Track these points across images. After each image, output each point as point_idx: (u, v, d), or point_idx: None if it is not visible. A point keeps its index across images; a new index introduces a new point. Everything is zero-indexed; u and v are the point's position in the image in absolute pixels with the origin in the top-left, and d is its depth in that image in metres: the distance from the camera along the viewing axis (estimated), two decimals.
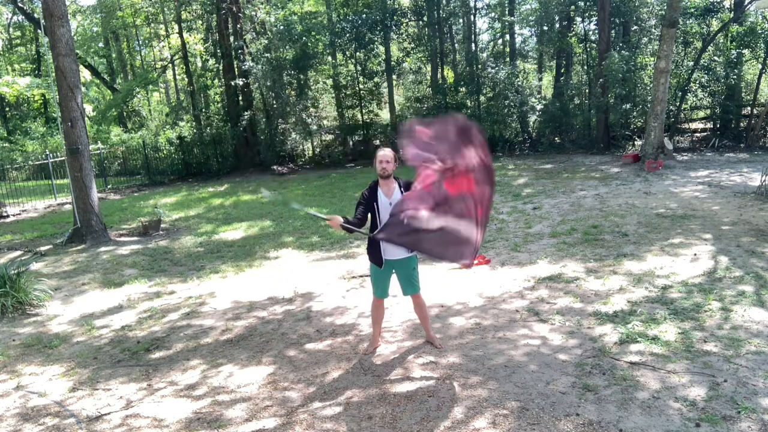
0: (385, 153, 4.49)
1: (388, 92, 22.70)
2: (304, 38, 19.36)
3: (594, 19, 20.43)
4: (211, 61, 22.85)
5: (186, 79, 25.59)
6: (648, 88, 17.63)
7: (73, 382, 4.63)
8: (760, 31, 18.12)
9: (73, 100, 9.72)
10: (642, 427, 3.43)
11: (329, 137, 23.45)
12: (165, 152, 21.29)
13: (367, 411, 3.84)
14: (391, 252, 4.53)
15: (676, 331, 4.72)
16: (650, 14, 19.52)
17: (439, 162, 4.01)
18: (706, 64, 18.54)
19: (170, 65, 30.20)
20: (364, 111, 21.97)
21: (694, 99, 19.51)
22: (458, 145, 4.11)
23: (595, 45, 20.29)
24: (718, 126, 19.59)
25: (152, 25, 29.82)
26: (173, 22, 26.05)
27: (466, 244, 4.09)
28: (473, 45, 22.91)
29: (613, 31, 19.55)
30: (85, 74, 28.98)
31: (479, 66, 21.30)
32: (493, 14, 24.30)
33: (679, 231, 7.97)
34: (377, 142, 22.05)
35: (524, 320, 5.22)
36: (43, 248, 9.79)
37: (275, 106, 20.43)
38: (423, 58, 23.16)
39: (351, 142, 22.77)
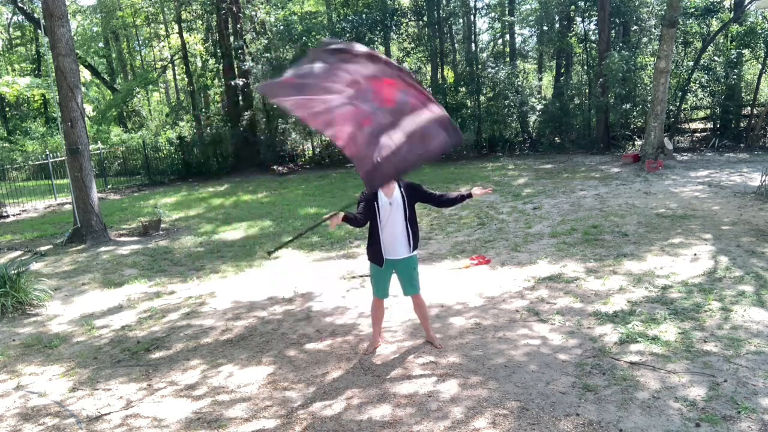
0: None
1: None
2: (304, 38, 19.36)
3: (594, 19, 20.43)
4: (211, 61, 22.86)
5: (186, 79, 25.60)
6: (648, 88, 17.64)
7: (73, 382, 4.63)
8: (760, 31, 18.13)
9: (73, 100, 9.72)
10: (642, 427, 3.43)
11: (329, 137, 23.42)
12: (165, 152, 21.29)
13: (367, 411, 3.84)
14: (392, 252, 4.53)
15: (676, 331, 4.72)
16: (650, 14, 19.52)
17: (336, 87, 3.62)
18: (706, 64, 18.54)
19: (170, 65, 30.20)
20: None
21: (694, 99, 19.52)
22: (339, 63, 3.72)
23: (595, 45, 20.29)
24: (718, 126, 19.59)
25: (152, 25, 29.82)
26: (173, 22, 26.05)
27: (438, 124, 3.87)
28: (473, 45, 22.91)
29: (613, 31, 19.56)
30: (85, 74, 28.99)
31: (479, 66, 21.30)
32: (493, 14, 24.30)
33: (679, 231, 7.97)
34: None
35: (524, 320, 5.22)
36: (43, 248, 9.79)
37: (275, 106, 20.41)
38: (423, 58, 23.16)
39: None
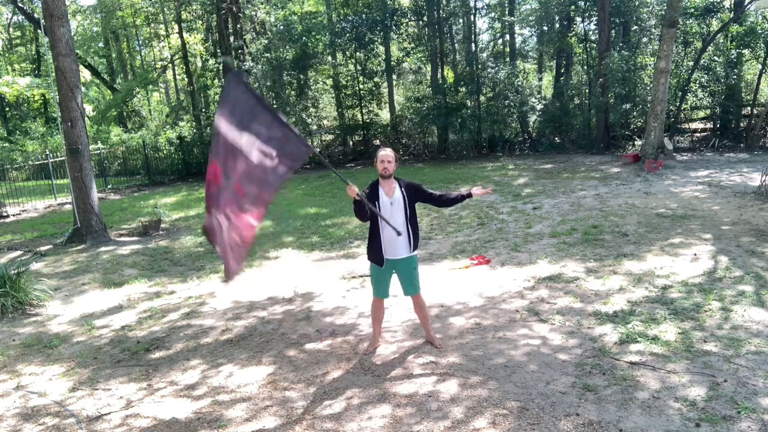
0: (386, 153, 4.50)
1: (388, 92, 22.72)
2: (304, 38, 19.36)
3: (594, 19, 20.44)
4: (211, 61, 22.85)
5: (186, 79, 25.60)
6: (648, 88, 17.64)
7: (73, 382, 4.63)
8: (760, 31, 18.13)
9: (73, 100, 9.71)
10: (642, 427, 3.43)
11: (329, 137, 23.46)
12: (165, 152, 21.29)
13: (367, 411, 3.84)
14: (392, 251, 4.53)
15: (676, 331, 4.72)
16: (650, 14, 19.52)
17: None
18: (706, 64, 18.54)
19: (170, 65, 30.20)
20: (364, 111, 21.98)
21: (694, 99, 19.52)
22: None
23: (595, 45, 20.30)
24: (718, 126, 19.60)
25: (152, 25, 29.81)
26: (173, 22, 26.05)
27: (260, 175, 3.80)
28: (473, 45, 22.91)
29: (613, 31, 19.56)
30: (85, 74, 28.97)
31: (479, 66, 21.30)
32: (493, 14, 24.31)
33: (679, 231, 7.97)
34: (377, 142, 22.07)
35: (524, 320, 5.22)
36: (43, 248, 9.79)
37: (275, 106, 20.43)
38: (423, 58, 23.17)
39: (351, 142, 22.78)
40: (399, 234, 4.35)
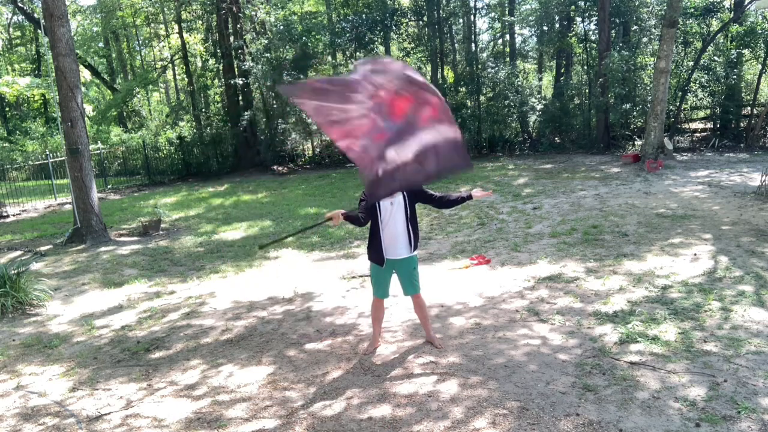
0: None
1: None
2: (304, 38, 19.36)
3: (594, 19, 20.44)
4: (211, 61, 22.85)
5: (186, 79, 25.59)
6: (648, 88, 17.64)
7: (73, 382, 4.63)
8: (760, 31, 18.13)
9: (73, 100, 9.72)
10: (642, 427, 3.43)
11: (329, 137, 23.44)
12: (165, 152, 21.29)
13: (367, 411, 3.84)
14: (393, 252, 4.53)
15: (676, 331, 4.72)
16: (650, 14, 19.52)
17: (358, 98, 3.57)
18: (706, 64, 18.55)
19: (170, 65, 30.19)
20: None
21: (694, 99, 19.52)
22: (369, 74, 3.67)
23: (595, 45, 20.29)
24: (718, 126, 19.60)
25: (152, 25, 29.81)
26: (173, 22, 26.05)
27: (450, 148, 3.76)
28: (473, 45, 22.91)
29: (613, 31, 19.56)
30: (85, 74, 28.98)
31: (479, 66, 21.30)
32: (493, 14, 24.32)
33: (679, 231, 7.97)
34: None
35: (524, 320, 5.22)
36: (43, 248, 9.79)
37: (275, 106, 20.44)
38: (423, 58, 23.16)
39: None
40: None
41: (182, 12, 22.76)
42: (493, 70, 20.63)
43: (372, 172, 3.62)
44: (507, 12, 23.11)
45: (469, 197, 4.59)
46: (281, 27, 19.81)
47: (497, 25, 25.58)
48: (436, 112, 3.75)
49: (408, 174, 3.66)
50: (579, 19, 21.69)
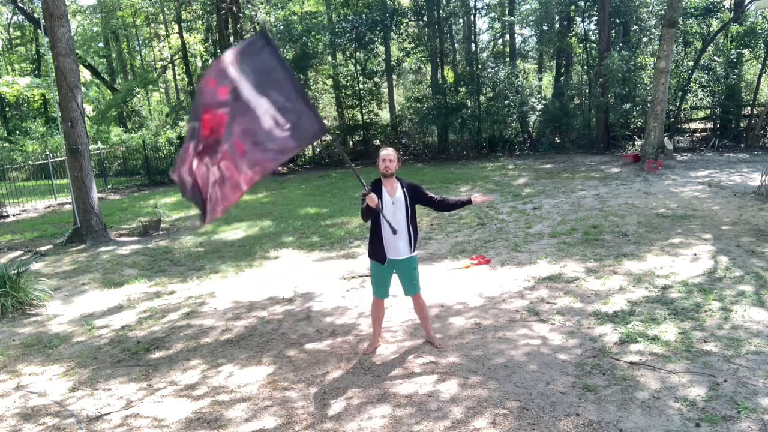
0: (388, 152, 4.51)
1: (388, 92, 22.72)
2: (304, 38, 19.36)
3: (594, 19, 20.45)
4: (211, 61, 22.82)
5: (186, 79, 25.60)
6: (648, 88, 17.64)
7: (73, 382, 4.63)
8: (760, 31, 18.14)
9: (73, 100, 9.71)
10: (642, 427, 3.43)
11: (329, 137, 23.43)
12: (165, 152, 21.29)
13: (367, 411, 3.84)
14: (394, 251, 4.53)
15: (676, 331, 4.72)
16: (650, 14, 19.53)
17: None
18: (706, 64, 18.55)
19: (170, 65, 30.20)
20: (364, 111, 21.98)
21: (694, 99, 19.53)
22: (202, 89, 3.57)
23: (595, 45, 20.30)
24: (718, 126, 19.61)
25: (152, 25, 29.83)
26: (173, 22, 26.07)
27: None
28: (473, 45, 22.92)
29: (613, 31, 19.57)
30: (85, 74, 28.97)
31: (479, 66, 21.31)
32: (493, 14, 24.32)
33: (679, 231, 7.97)
34: (377, 142, 22.06)
35: (524, 320, 5.22)
36: (43, 248, 9.79)
37: None
38: (423, 58, 23.17)
39: (351, 142, 22.77)
40: (395, 232, 4.35)
41: (182, 12, 22.79)
42: (493, 70, 20.64)
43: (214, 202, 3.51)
44: (507, 12, 23.12)
45: (469, 201, 4.59)
46: (281, 27, 19.82)
47: (497, 25, 25.60)
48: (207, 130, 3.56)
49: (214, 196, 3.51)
50: (579, 19, 21.70)
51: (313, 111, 3.84)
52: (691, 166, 14.23)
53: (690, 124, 20.87)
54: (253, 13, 20.11)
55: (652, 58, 18.20)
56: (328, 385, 4.27)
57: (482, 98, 20.95)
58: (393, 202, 4.46)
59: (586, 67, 21.49)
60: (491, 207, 10.67)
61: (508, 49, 25.14)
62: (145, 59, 34.12)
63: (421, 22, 22.35)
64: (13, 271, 6.70)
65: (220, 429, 3.76)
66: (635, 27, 19.79)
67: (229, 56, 3.66)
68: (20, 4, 24.22)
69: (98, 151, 19.34)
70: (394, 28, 21.34)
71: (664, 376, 4.01)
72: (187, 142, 3.50)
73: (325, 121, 3.80)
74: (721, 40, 18.99)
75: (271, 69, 3.71)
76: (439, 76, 22.27)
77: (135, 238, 10.32)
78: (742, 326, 4.73)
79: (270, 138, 3.65)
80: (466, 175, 15.41)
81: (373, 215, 4.45)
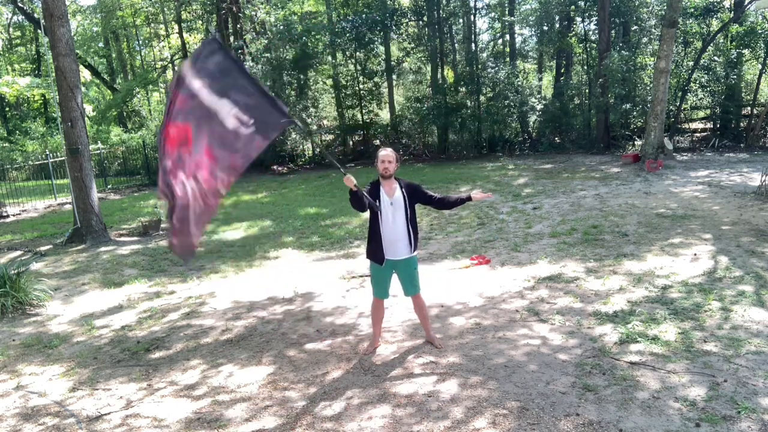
0: (387, 153, 4.50)
1: (388, 92, 22.70)
2: (304, 38, 19.35)
3: (594, 19, 20.45)
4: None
5: None
6: (648, 88, 17.64)
7: (73, 382, 4.63)
8: (760, 31, 18.14)
9: (73, 100, 9.71)
10: (642, 427, 3.43)
11: (329, 137, 23.46)
12: None
13: (367, 411, 3.85)
14: (393, 252, 4.53)
15: (676, 331, 4.72)
16: (650, 14, 19.53)
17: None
18: (706, 64, 18.55)
19: (170, 65, 30.19)
20: (364, 111, 21.97)
21: (694, 99, 19.53)
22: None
23: (595, 45, 20.30)
24: (718, 126, 19.61)
25: (152, 25, 29.83)
26: (173, 22, 26.07)
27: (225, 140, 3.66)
28: (473, 45, 22.91)
29: (613, 31, 19.57)
30: (85, 74, 28.99)
31: (479, 66, 21.30)
32: (493, 14, 24.32)
33: (679, 231, 7.97)
34: (377, 142, 22.07)
35: (524, 320, 5.22)
36: (43, 248, 9.79)
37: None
38: (423, 58, 23.16)
39: (351, 142, 22.78)
40: (377, 209, 4.36)
41: (182, 12, 22.78)
42: (493, 70, 20.63)
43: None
44: (507, 12, 23.11)
45: (469, 199, 4.59)
46: (281, 27, 19.81)
47: (497, 25, 25.59)
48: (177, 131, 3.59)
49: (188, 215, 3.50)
50: (579, 19, 21.69)
51: (273, 103, 3.89)
52: (691, 166, 14.23)
53: (690, 124, 20.87)
54: (253, 13, 20.11)
55: (652, 58, 18.20)
56: (328, 385, 4.27)
57: (482, 98, 20.95)
58: (392, 202, 4.46)
59: (586, 67, 21.49)
60: (491, 207, 10.67)
61: (508, 49, 25.13)
62: (145, 59, 34.11)
63: (421, 22, 22.34)
64: (13, 271, 6.70)
65: (220, 429, 3.76)
66: (635, 27, 19.79)
67: (185, 65, 3.75)
68: (20, 4, 24.22)
69: (98, 151, 19.33)
70: (394, 28, 21.34)
71: (664, 376, 4.01)
72: (161, 163, 3.52)
73: (285, 108, 3.84)
74: (721, 40, 18.98)
75: (226, 70, 3.77)
76: (439, 76, 22.26)
77: (135, 238, 10.31)
78: (742, 326, 4.73)
79: (237, 138, 3.69)
80: (466, 175, 15.40)
81: (368, 209, 4.44)
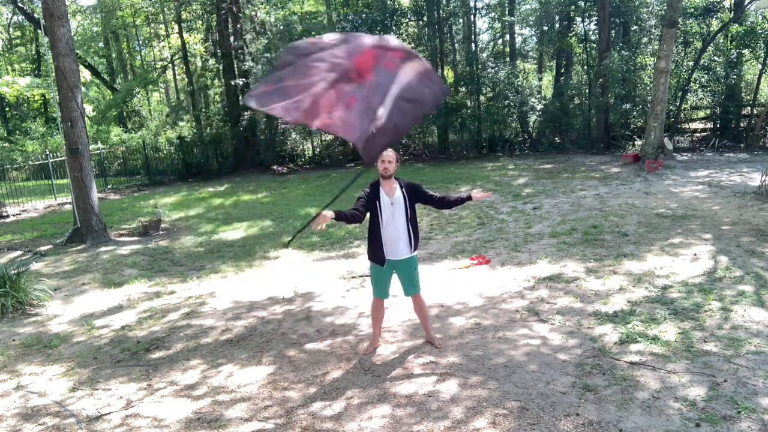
0: (387, 153, 4.49)
1: None
2: (304, 38, 19.34)
3: (594, 19, 20.45)
4: (211, 61, 22.85)
5: (186, 79, 25.60)
6: (648, 88, 17.65)
7: (73, 382, 4.63)
8: (760, 31, 18.14)
9: (73, 100, 9.71)
10: (642, 427, 3.43)
11: (329, 137, 23.44)
12: (165, 152, 21.29)
13: (367, 411, 3.84)
14: (393, 252, 4.53)
15: (676, 331, 4.73)
16: (650, 14, 19.53)
17: (315, 78, 3.57)
18: (706, 64, 18.55)
19: (170, 65, 30.20)
20: None
21: (694, 99, 19.54)
22: (311, 56, 3.66)
23: (595, 45, 20.30)
24: (718, 126, 19.61)
25: (152, 25, 29.81)
26: (173, 22, 26.06)
27: (420, 80, 3.81)
28: (473, 45, 22.91)
29: (613, 31, 19.57)
30: (85, 74, 28.98)
31: (479, 66, 21.30)
32: (493, 14, 24.32)
33: (679, 231, 7.97)
34: None
35: (524, 320, 5.22)
36: (43, 248, 9.79)
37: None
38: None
39: (351, 142, 22.76)
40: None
41: (182, 12, 22.77)
42: (493, 70, 20.63)
43: (363, 137, 3.61)
44: (507, 12, 23.12)
45: (469, 198, 4.59)
46: (281, 27, 19.81)
47: (497, 25, 25.59)
48: (396, 53, 3.80)
49: (395, 123, 3.64)
50: (579, 19, 21.70)
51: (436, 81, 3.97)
52: (691, 166, 14.23)
53: (690, 124, 20.87)
54: (253, 13, 20.10)
55: (652, 58, 18.20)
56: (328, 385, 4.27)
57: (482, 98, 20.95)
58: (392, 203, 4.46)
59: (586, 67, 21.49)
60: (491, 207, 10.67)
61: (508, 49, 25.14)
62: (145, 59, 34.11)
63: (421, 22, 22.34)
64: (13, 271, 6.70)
65: (220, 429, 3.76)
66: (635, 27, 19.79)
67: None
68: (20, 4, 24.21)
69: (98, 151, 19.34)
70: (394, 28, 21.32)
71: (664, 376, 4.01)
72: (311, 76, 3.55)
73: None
74: (721, 40, 18.99)
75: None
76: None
77: (135, 238, 10.32)
78: (742, 326, 4.73)
79: (418, 94, 3.76)
80: (466, 175, 15.41)
81: (366, 213, 4.44)
